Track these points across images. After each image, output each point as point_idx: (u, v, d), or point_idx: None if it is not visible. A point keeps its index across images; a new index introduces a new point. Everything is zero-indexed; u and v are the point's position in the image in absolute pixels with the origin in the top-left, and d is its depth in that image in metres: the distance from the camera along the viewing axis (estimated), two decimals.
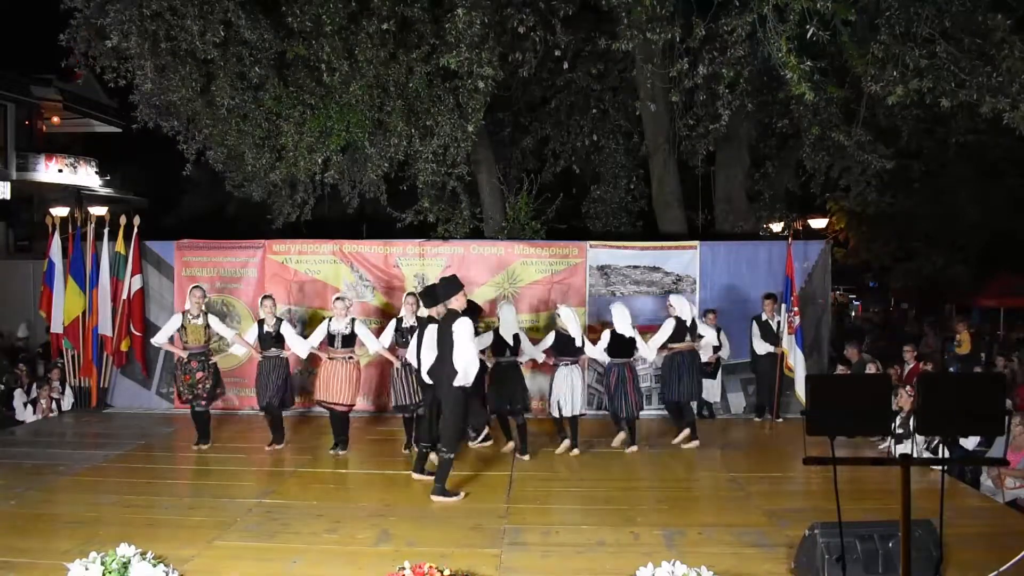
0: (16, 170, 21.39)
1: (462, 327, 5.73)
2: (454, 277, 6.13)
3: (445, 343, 5.80)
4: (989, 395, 2.88)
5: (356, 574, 4.35)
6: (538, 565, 4.48)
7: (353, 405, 7.29)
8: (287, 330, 7.26)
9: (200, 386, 7.15)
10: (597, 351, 7.30)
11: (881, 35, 7.38)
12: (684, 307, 7.55)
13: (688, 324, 7.53)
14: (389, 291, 9.11)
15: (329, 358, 7.13)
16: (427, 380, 6.16)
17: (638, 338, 7.27)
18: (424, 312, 6.72)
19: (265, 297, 7.31)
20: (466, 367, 5.69)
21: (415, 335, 6.66)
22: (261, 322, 7.19)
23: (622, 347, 7.24)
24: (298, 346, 7.25)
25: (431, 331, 6.15)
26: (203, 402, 7.20)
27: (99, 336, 9.14)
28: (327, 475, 6.51)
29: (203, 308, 7.27)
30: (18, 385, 9.33)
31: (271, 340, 7.15)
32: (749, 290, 9.19)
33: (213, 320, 7.36)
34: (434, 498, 5.67)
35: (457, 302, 5.91)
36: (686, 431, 7.59)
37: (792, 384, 8.87)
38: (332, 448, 7.15)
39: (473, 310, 7.00)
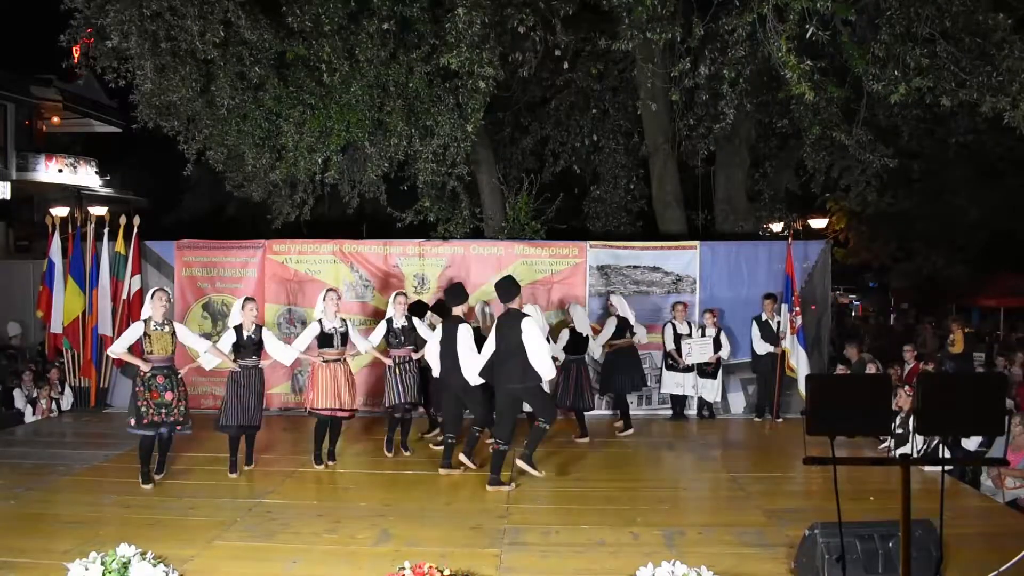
0: (16, 170, 21.39)
1: (530, 326, 6.03)
2: (511, 278, 6.43)
3: (510, 341, 6.05)
4: (989, 395, 2.88)
5: (356, 574, 4.35)
6: (538, 565, 4.48)
7: (357, 410, 7.10)
8: (267, 336, 6.49)
9: (176, 408, 6.05)
10: (556, 349, 7.59)
11: (881, 35, 7.38)
12: (625, 306, 8.18)
13: (629, 322, 8.17)
14: (389, 291, 9.11)
15: (324, 361, 6.59)
16: (477, 381, 6.38)
17: (591, 336, 7.81)
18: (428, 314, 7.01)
19: (248, 300, 6.48)
20: (545, 362, 6.01)
21: (438, 335, 6.71)
22: (239, 328, 6.33)
23: (578, 345, 7.73)
24: (282, 353, 6.55)
25: (465, 331, 6.44)
26: (179, 427, 6.11)
27: (99, 336, 9.15)
28: (327, 475, 6.50)
29: (168, 315, 6.16)
30: (15, 384, 9.32)
31: (252, 347, 6.35)
32: (749, 290, 9.20)
33: (180, 329, 6.24)
34: (489, 488, 5.95)
35: (518, 302, 6.26)
36: (622, 423, 8.17)
37: (793, 384, 8.89)
38: (323, 460, 6.69)
39: (422, 310, 7.78)
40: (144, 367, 5.99)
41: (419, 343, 7.20)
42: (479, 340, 6.60)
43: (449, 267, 9.30)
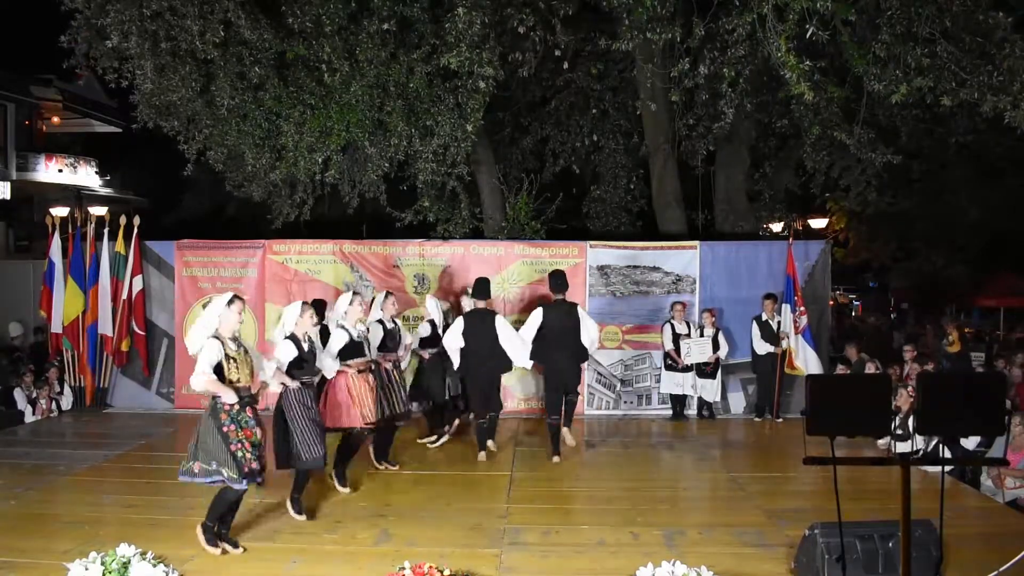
0: (16, 170, 21.38)
1: (585, 313, 7.23)
2: (563, 272, 7.24)
3: (564, 327, 6.92)
4: (989, 395, 2.88)
5: (356, 574, 4.35)
6: (538, 565, 4.48)
7: None
8: (318, 346, 5.57)
9: (263, 450, 4.75)
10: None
11: (882, 34, 7.38)
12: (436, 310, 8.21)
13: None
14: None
15: (359, 371, 5.98)
16: (526, 363, 7.15)
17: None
18: (467, 305, 7.30)
19: (306, 304, 5.39)
20: (596, 345, 7.30)
21: (459, 328, 6.91)
22: (295, 339, 5.26)
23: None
24: (328, 365, 5.70)
25: (503, 322, 7.00)
26: (260, 476, 4.72)
27: (98, 336, 9.15)
28: (327, 475, 6.48)
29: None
30: (17, 384, 9.31)
31: (313, 361, 5.40)
32: (749, 290, 9.19)
33: (252, 350, 4.92)
34: (566, 431, 7.15)
35: (567, 294, 7.18)
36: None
37: (793, 384, 8.93)
38: (342, 483, 6.01)
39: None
40: (230, 398, 4.56)
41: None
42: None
43: (449, 267, 9.30)
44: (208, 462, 4.49)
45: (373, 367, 6.21)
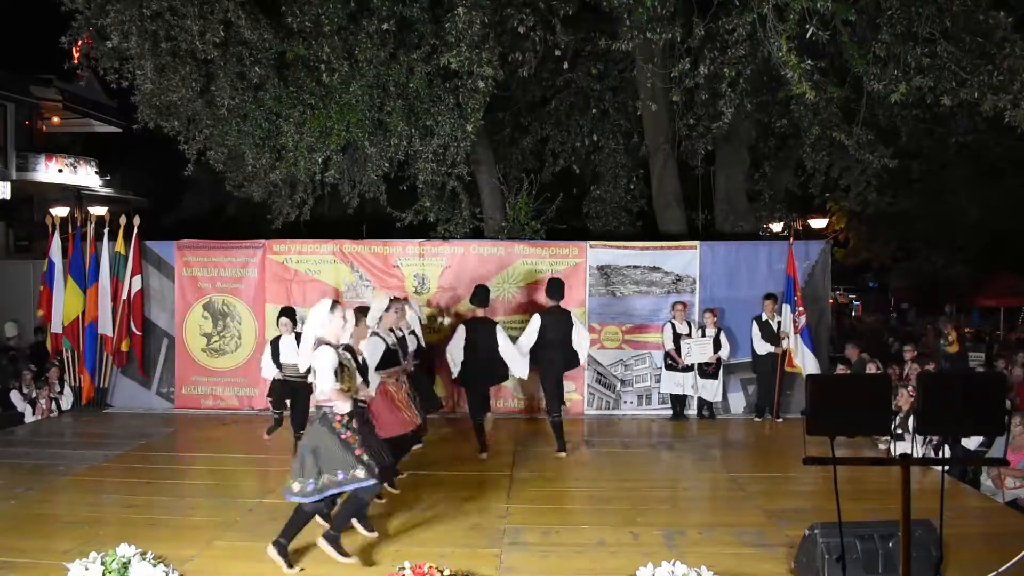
0: (16, 170, 21.37)
1: (578, 320, 7.39)
2: (561, 280, 7.27)
3: (560, 333, 7.03)
4: (989, 395, 2.88)
5: (356, 574, 4.35)
6: (538, 565, 4.49)
7: None
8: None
9: (380, 454, 4.69)
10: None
11: (882, 34, 7.38)
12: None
13: None
14: (390, 292, 9.09)
15: (397, 380, 5.82)
16: (524, 374, 7.06)
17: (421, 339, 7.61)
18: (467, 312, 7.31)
19: (359, 310, 5.14)
20: (587, 349, 7.37)
21: (461, 336, 6.88)
22: (349, 348, 4.73)
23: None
24: (371, 377, 5.45)
25: (503, 331, 6.93)
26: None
27: (97, 335, 9.15)
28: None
29: None
30: (14, 386, 9.29)
31: (364, 376, 5.05)
32: (749, 290, 9.19)
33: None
34: (562, 454, 7.05)
35: (564, 302, 7.24)
36: None
37: (793, 383, 8.93)
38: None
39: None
40: (344, 408, 4.35)
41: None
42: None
43: (449, 267, 9.30)
44: (334, 473, 4.28)
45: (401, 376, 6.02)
